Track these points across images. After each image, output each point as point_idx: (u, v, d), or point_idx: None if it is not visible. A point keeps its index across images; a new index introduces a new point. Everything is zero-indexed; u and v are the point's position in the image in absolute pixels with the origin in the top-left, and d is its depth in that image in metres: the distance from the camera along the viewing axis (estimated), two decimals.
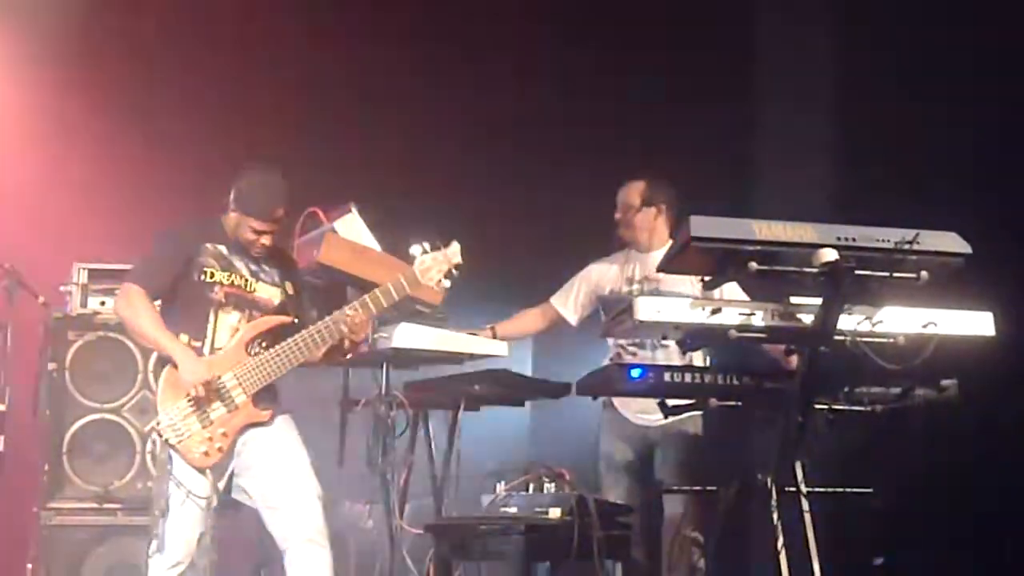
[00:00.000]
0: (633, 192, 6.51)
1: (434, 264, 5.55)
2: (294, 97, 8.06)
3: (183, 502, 5.35)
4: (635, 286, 6.44)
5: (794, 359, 5.70)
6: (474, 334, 6.35)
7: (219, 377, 5.43)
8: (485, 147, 7.98)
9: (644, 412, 6.18)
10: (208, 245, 5.55)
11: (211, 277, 5.51)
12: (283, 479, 5.52)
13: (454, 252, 5.58)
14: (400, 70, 8.03)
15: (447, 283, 5.60)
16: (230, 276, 5.54)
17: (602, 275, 6.59)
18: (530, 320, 6.72)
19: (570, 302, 6.63)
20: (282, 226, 5.64)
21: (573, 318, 6.62)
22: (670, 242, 6.40)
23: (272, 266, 5.66)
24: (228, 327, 5.52)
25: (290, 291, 5.69)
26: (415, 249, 5.55)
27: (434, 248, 5.56)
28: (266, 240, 5.56)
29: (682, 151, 7.50)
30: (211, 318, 5.50)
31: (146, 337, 5.54)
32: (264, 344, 5.52)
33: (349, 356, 5.76)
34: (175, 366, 5.40)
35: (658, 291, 6.25)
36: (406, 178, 7.72)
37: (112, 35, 7.98)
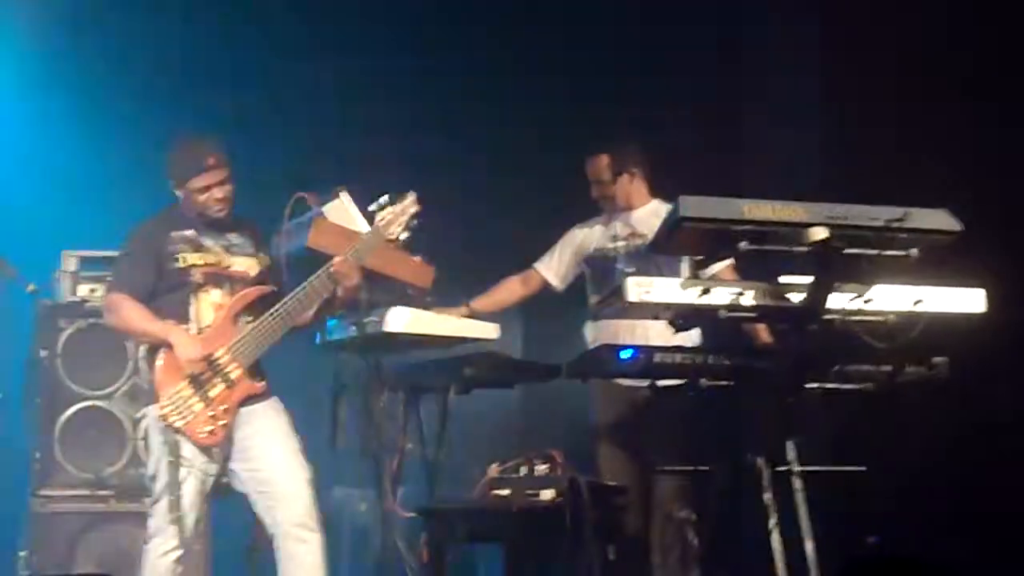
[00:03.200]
0: (600, 168, 6.58)
1: (393, 217, 5.59)
2: (284, 83, 8.04)
3: (185, 484, 5.36)
4: (620, 243, 6.49)
5: (763, 331, 5.74)
6: (449, 313, 6.35)
7: (212, 355, 5.44)
8: (468, 127, 7.97)
9: None
10: (174, 233, 5.57)
11: (185, 262, 5.53)
12: (274, 465, 5.53)
13: (411, 202, 5.62)
14: (384, 54, 8.02)
15: (405, 235, 5.62)
16: (203, 256, 5.56)
17: (586, 236, 6.67)
18: (509, 290, 6.75)
19: (553, 265, 6.70)
20: (232, 179, 5.60)
21: (557, 281, 6.69)
22: (652, 200, 6.51)
23: (244, 237, 5.68)
24: (211, 305, 5.55)
25: (266, 260, 5.70)
26: (373, 206, 5.59)
27: (391, 202, 5.59)
28: (219, 193, 5.55)
29: (672, 131, 7.50)
30: (192, 301, 5.52)
31: (138, 332, 5.60)
32: (251, 316, 5.53)
33: (340, 310, 5.81)
34: (170, 348, 5.41)
35: (644, 246, 6.28)
36: (393, 162, 7.70)
37: (100, 24, 7.95)
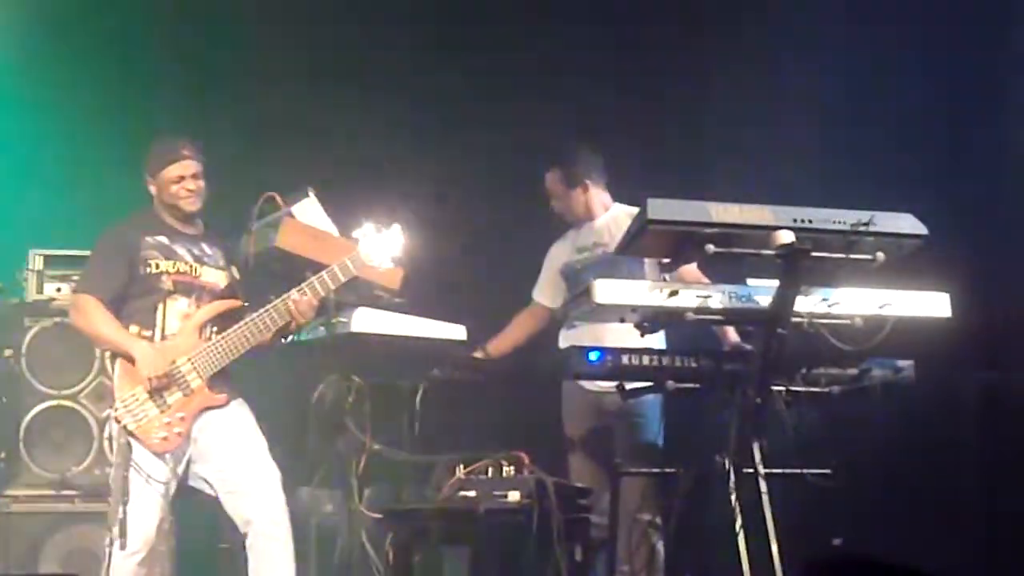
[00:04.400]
0: (553, 182, 6.61)
1: (376, 247, 5.60)
2: (253, 82, 8.01)
3: (143, 489, 5.33)
4: (584, 254, 6.51)
5: (730, 330, 5.75)
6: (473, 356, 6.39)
7: (174, 362, 5.43)
8: (443, 128, 7.95)
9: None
10: (148, 238, 5.60)
11: (156, 268, 5.56)
12: (243, 464, 5.54)
13: (395, 233, 5.63)
14: (361, 52, 8.00)
15: (390, 264, 5.63)
16: (175, 264, 5.58)
17: (559, 251, 6.70)
18: (520, 326, 6.75)
19: (543, 288, 6.73)
20: (204, 176, 5.66)
21: (550, 302, 6.69)
22: (614, 204, 6.50)
23: (215, 248, 5.69)
24: (178, 314, 5.55)
25: (236, 274, 5.72)
26: (357, 233, 5.60)
27: (376, 231, 5.60)
28: (190, 185, 5.60)
29: (640, 134, 7.50)
30: (160, 307, 5.52)
31: (103, 338, 5.60)
32: (215, 328, 5.54)
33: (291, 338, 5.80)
34: (132, 361, 5.41)
35: (605, 254, 6.31)
36: (365, 163, 7.69)
37: (73, 21, 7.91)
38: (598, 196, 6.58)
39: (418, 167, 7.65)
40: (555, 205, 6.62)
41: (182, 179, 5.61)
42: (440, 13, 7.96)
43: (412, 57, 7.92)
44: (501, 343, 6.68)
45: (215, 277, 5.67)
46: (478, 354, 6.50)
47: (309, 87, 7.94)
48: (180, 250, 5.62)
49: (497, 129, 7.75)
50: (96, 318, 5.52)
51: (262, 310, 5.53)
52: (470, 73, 7.86)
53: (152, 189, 5.67)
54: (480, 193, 7.78)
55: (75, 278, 6.69)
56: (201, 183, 5.65)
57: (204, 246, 5.70)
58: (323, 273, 5.57)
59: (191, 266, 5.62)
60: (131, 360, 5.42)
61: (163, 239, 5.61)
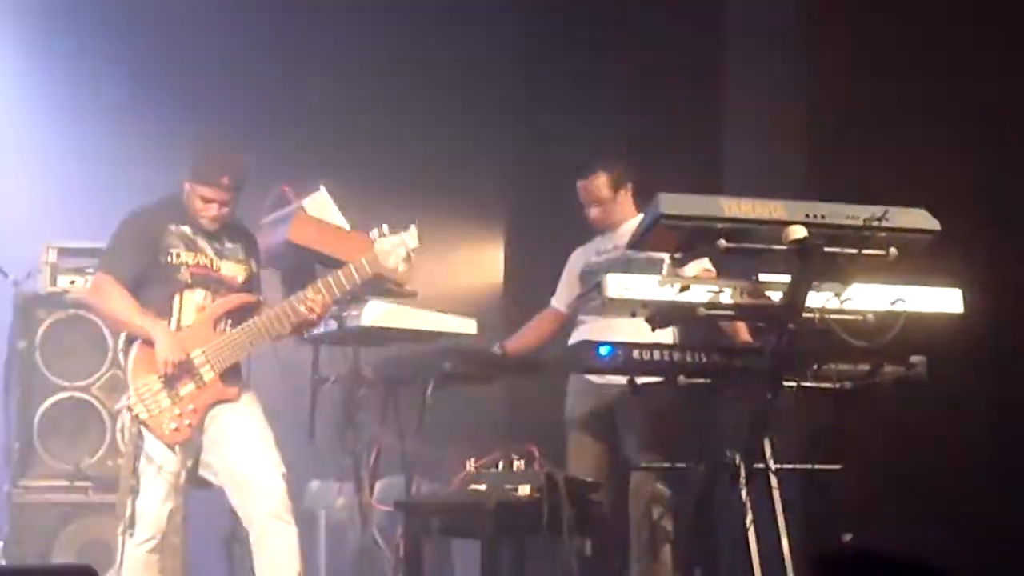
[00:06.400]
0: (600, 187, 6.44)
1: (392, 248, 5.56)
2: (266, 77, 8.03)
3: (154, 478, 5.35)
4: (602, 256, 6.45)
5: (742, 329, 5.73)
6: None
7: (188, 354, 5.43)
8: (449, 125, 7.96)
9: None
10: (172, 226, 5.57)
11: (177, 258, 5.53)
12: (247, 456, 5.52)
13: (412, 236, 5.58)
14: (370, 47, 8.01)
15: (404, 266, 5.60)
16: (196, 256, 5.56)
17: (580, 256, 6.62)
18: (537, 328, 6.69)
19: (562, 294, 6.64)
20: (236, 201, 5.62)
21: (566, 308, 6.59)
22: (638, 214, 6.46)
23: (235, 243, 5.67)
24: (194, 305, 5.54)
25: (254, 268, 5.71)
26: (374, 233, 5.56)
27: (392, 232, 5.57)
28: (214, 211, 5.55)
29: (650, 129, 7.49)
30: (177, 297, 5.51)
31: (120, 320, 5.59)
32: (230, 322, 5.53)
33: (305, 334, 5.82)
34: (148, 343, 5.40)
35: (622, 254, 6.26)
36: (375, 156, 7.71)
37: (86, 13, 7.93)
38: (628, 203, 6.50)
39: (427, 165, 7.66)
40: (594, 212, 6.48)
41: (208, 203, 5.55)
42: (442, 13, 7.98)
43: (416, 57, 7.94)
44: (518, 344, 6.65)
45: (234, 271, 5.65)
46: (497, 351, 6.47)
47: (320, 82, 7.96)
48: (202, 242, 5.60)
49: (507, 128, 7.77)
50: (114, 298, 5.51)
51: (277, 307, 5.53)
52: (478, 73, 7.89)
53: (185, 185, 5.58)
54: (489, 191, 7.80)
55: (89, 271, 6.73)
56: (226, 210, 5.58)
57: (225, 240, 5.67)
58: (339, 272, 5.54)
59: (211, 259, 5.60)
60: (150, 342, 5.42)
61: (187, 230, 5.58)
